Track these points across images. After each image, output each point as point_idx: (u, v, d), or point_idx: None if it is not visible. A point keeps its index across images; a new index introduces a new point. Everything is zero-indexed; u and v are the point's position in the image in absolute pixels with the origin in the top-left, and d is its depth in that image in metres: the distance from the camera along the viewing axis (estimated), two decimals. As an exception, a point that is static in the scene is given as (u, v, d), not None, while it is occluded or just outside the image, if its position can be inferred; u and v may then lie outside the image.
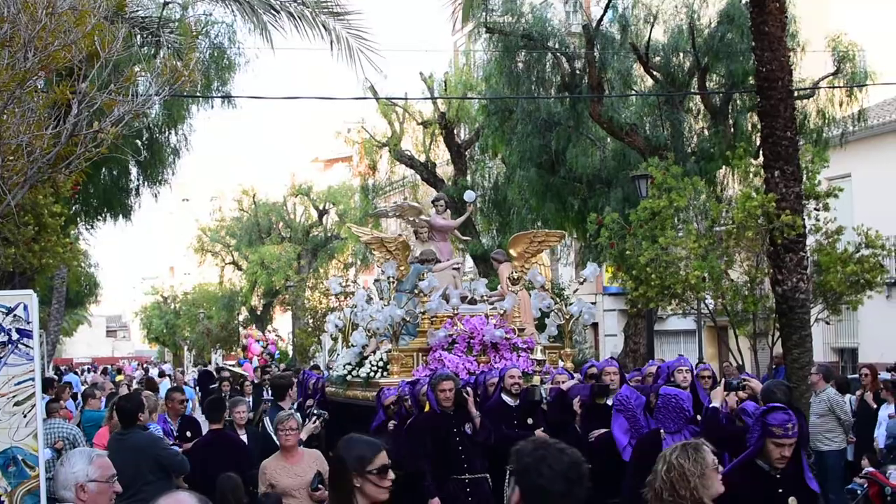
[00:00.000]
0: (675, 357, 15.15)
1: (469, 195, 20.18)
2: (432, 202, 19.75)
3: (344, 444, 5.81)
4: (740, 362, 22.85)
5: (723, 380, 12.25)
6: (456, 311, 16.80)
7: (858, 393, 19.18)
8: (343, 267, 61.24)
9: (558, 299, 18.09)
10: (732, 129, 28.45)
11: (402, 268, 18.34)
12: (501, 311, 17.07)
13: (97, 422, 17.15)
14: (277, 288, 62.03)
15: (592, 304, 18.08)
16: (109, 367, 67.73)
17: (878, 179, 31.98)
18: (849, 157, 30.30)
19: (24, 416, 9.30)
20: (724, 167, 27.82)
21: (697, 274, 20.96)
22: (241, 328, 68.17)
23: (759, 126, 21.70)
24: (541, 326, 18.55)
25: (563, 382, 14.58)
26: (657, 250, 21.36)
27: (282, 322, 66.21)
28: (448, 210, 19.81)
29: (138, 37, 21.35)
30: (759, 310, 22.07)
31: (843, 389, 18.86)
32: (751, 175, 22.25)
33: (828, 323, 23.90)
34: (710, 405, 11.06)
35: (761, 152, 20.80)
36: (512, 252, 18.73)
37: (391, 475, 5.72)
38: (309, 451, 11.46)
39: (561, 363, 17.06)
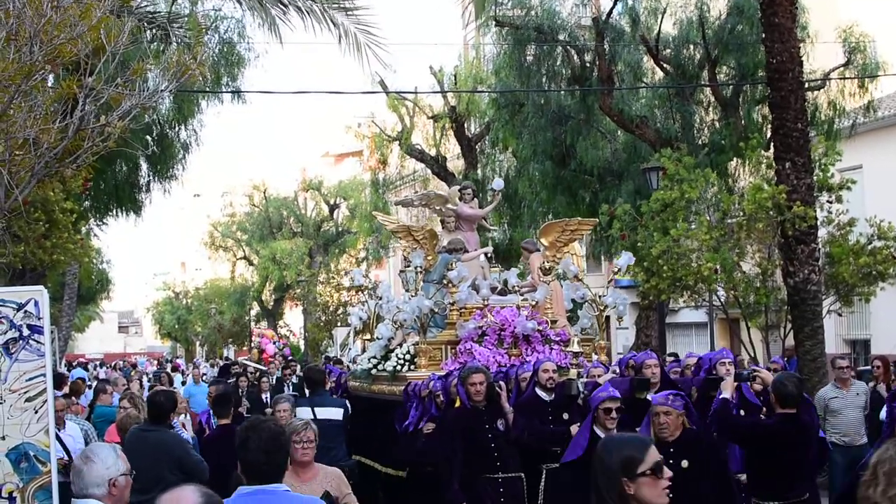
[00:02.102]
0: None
1: (498, 183, 19.59)
2: (459, 190, 18.98)
3: (605, 447, 5.26)
4: (752, 354, 22.81)
5: (733, 371, 12.03)
6: (486, 302, 16.13)
7: (871, 384, 19.11)
8: (354, 262, 61.28)
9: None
10: (743, 121, 28.39)
11: (429, 257, 17.52)
12: (533, 302, 16.33)
13: (108, 417, 17.01)
14: (289, 283, 62.04)
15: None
16: (122, 362, 67.84)
17: (889, 171, 31.84)
18: (860, 148, 30.21)
19: (36, 412, 9.30)
20: (735, 159, 27.78)
21: (709, 266, 20.93)
22: (252, 323, 68.25)
23: (769, 118, 21.69)
24: (571, 318, 17.93)
25: (600, 376, 13.71)
26: (669, 242, 21.33)
27: (293, 317, 66.33)
28: (475, 199, 19.26)
29: (147, 32, 21.36)
30: (771, 302, 22.05)
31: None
32: (763, 167, 22.21)
33: (840, 314, 23.85)
34: (721, 396, 10.95)
35: (772, 144, 20.77)
36: (543, 241, 17.93)
37: (668, 473, 5.14)
38: (328, 469, 9.69)
39: (595, 356, 16.27)
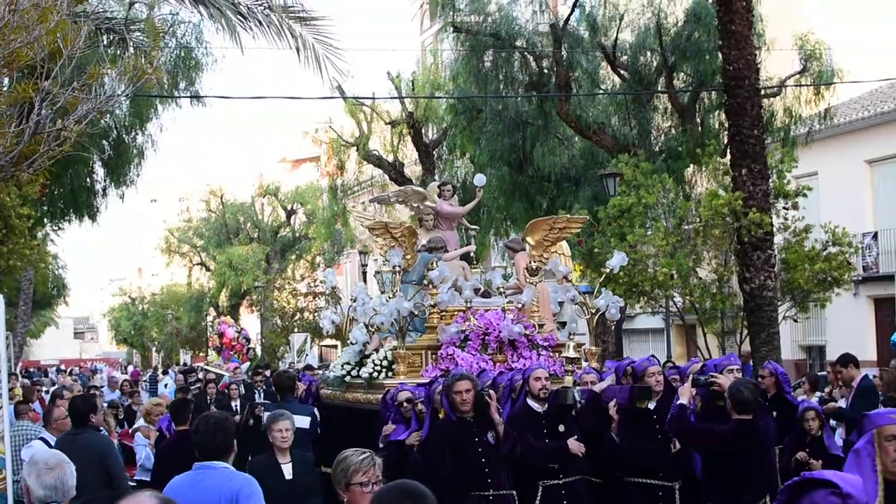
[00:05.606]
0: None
1: (479, 179, 18.96)
2: (438, 187, 18.22)
3: None
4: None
5: (690, 377, 11.89)
6: (469, 305, 15.15)
7: (827, 390, 19.22)
8: (310, 267, 61.23)
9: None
10: (700, 128, 28.51)
11: (408, 257, 16.21)
12: (519, 305, 15.21)
13: (62, 425, 16.88)
14: (246, 288, 61.92)
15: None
16: (77, 368, 67.37)
17: (844, 177, 32.12)
18: (815, 155, 30.42)
19: (-10, 419, 9.22)
20: (691, 165, 27.89)
21: (665, 271, 21.00)
22: (209, 329, 67.96)
23: (726, 124, 21.80)
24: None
25: (593, 383, 12.99)
26: (625, 248, 21.37)
27: (250, 322, 66.08)
28: (455, 196, 18.56)
29: (104, 37, 21.23)
30: (728, 308, 22.12)
31: (813, 387, 18.84)
32: (720, 173, 22.33)
33: (796, 321, 24.00)
34: (678, 402, 10.85)
35: (728, 150, 20.89)
36: (529, 240, 16.93)
37: None
38: None
39: (585, 363, 15.14)
